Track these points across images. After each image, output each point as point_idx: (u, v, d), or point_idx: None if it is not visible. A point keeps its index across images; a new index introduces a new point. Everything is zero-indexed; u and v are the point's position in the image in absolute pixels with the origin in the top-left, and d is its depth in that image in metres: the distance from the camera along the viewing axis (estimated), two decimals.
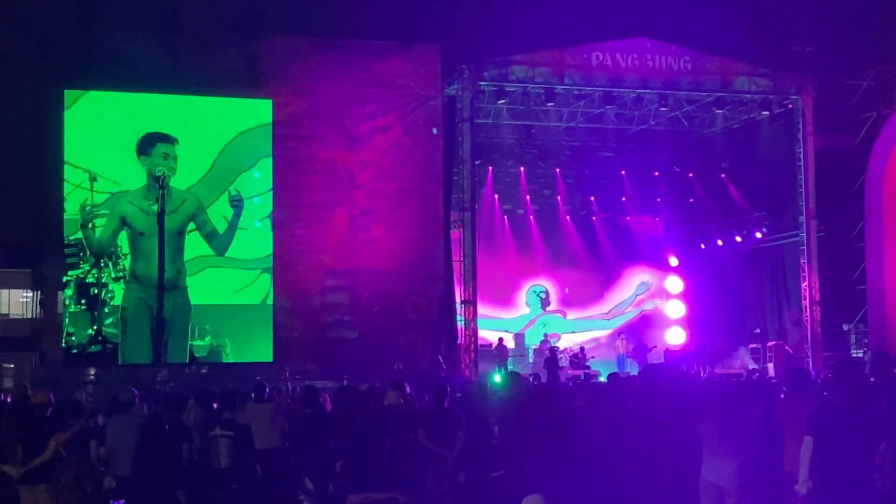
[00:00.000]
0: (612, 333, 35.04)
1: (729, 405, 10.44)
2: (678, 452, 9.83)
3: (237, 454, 12.93)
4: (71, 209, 25.79)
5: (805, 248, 30.24)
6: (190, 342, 26.36)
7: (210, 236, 26.66)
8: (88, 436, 11.49)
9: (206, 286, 26.59)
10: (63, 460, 11.05)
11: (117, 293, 25.91)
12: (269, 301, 27.25)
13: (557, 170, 35.25)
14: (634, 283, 36.46)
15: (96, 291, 25.68)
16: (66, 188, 25.86)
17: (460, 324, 28.64)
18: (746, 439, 10.04)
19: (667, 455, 9.74)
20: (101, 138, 26.19)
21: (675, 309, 36.52)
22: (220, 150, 27.08)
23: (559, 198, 35.77)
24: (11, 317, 30.43)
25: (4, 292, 30.40)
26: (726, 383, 19.33)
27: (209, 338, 26.64)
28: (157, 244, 25.88)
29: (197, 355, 26.56)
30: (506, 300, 35.03)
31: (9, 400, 14.02)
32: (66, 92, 26.14)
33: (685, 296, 36.54)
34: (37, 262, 27.38)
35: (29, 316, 29.31)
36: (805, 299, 30.21)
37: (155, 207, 25.92)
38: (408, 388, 13.96)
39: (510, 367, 29.87)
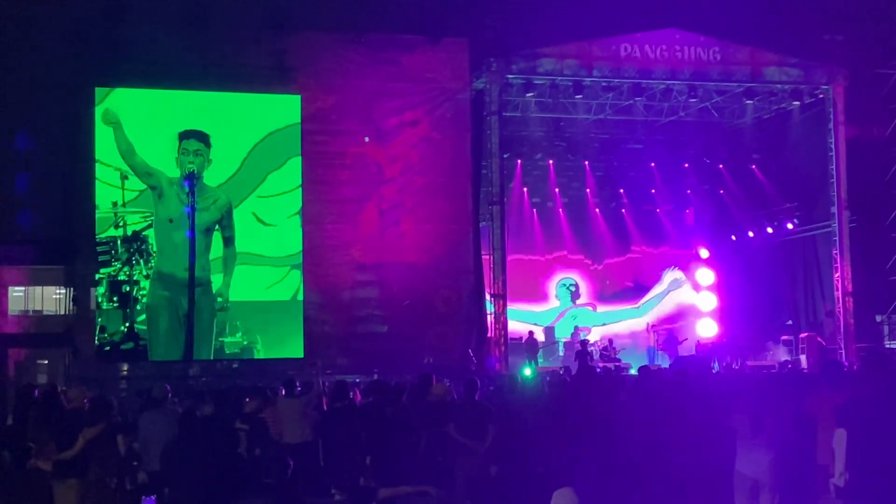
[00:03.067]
0: (642, 327, 34.88)
1: (762, 397, 10.36)
2: (712, 445, 9.76)
3: (251, 447, 13.00)
4: (103, 207, 25.94)
5: (837, 238, 29.97)
6: (221, 339, 26.46)
7: (228, 241, 26.54)
8: (115, 431, 11.54)
9: (236, 283, 26.61)
10: (91, 455, 11.11)
11: (148, 290, 26.05)
12: (300, 297, 27.30)
13: (586, 162, 35.14)
14: (666, 281, 36.28)
15: (128, 289, 25.80)
16: (98, 186, 26.02)
17: (490, 313, 28.59)
18: (780, 432, 9.96)
19: (700, 448, 9.67)
20: (132, 135, 26.27)
21: (707, 301, 36.32)
22: (250, 149, 27.12)
23: (588, 190, 35.64)
24: (45, 313, 30.65)
25: (38, 289, 30.60)
26: (758, 375, 19.20)
27: (240, 334, 26.72)
28: (189, 240, 25.93)
29: (228, 352, 26.63)
30: (535, 293, 34.95)
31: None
32: (96, 89, 26.28)
33: (716, 288, 36.36)
34: (70, 259, 27.59)
35: (62, 312, 29.52)
36: (837, 290, 29.94)
37: (187, 201, 25.93)
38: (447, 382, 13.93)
39: (540, 361, 29.87)
